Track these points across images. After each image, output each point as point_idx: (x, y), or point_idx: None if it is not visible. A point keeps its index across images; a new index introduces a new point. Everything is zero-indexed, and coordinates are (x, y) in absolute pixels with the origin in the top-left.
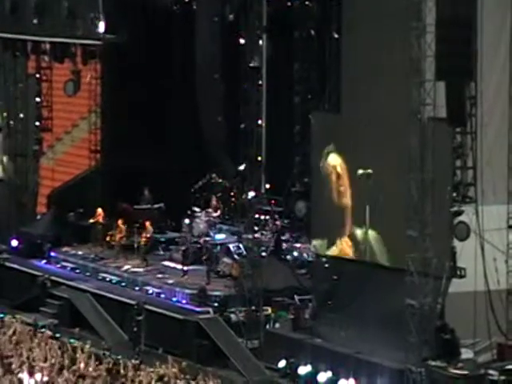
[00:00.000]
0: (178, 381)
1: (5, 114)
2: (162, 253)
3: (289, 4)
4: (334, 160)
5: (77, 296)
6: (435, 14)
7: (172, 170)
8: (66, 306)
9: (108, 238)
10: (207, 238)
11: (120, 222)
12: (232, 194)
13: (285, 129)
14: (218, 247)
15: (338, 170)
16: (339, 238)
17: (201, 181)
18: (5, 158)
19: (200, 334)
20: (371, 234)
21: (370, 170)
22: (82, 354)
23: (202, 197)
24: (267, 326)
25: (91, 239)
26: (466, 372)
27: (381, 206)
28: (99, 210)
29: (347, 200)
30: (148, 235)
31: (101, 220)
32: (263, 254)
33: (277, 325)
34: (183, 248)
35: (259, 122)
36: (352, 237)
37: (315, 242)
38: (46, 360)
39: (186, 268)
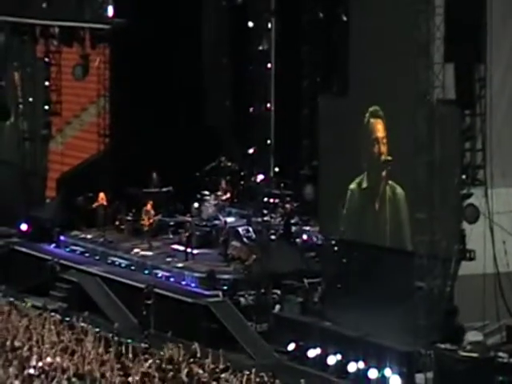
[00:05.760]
0: (188, 364)
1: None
2: (171, 236)
3: None
4: None
5: (86, 280)
6: None
7: (181, 153)
8: (75, 290)
9: (117, 222)
10: (216, 222)
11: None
12: (241, 177)
13: (293, 112)
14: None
15: None
16: None
17: (209, 164)
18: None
19: (209, 317)
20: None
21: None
22: (91, 337)
23: (211, 180)
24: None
25: (97, 224)
26: (475, 355)
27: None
28: (101, 195)
29: None
30: (150, 218)
31: (104, 203)
32: (272, 237)
33: (276, 307)
34: (187, 232)
35: (268, 105)
36: None
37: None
38: (55, 344)
39: (195, 251)
